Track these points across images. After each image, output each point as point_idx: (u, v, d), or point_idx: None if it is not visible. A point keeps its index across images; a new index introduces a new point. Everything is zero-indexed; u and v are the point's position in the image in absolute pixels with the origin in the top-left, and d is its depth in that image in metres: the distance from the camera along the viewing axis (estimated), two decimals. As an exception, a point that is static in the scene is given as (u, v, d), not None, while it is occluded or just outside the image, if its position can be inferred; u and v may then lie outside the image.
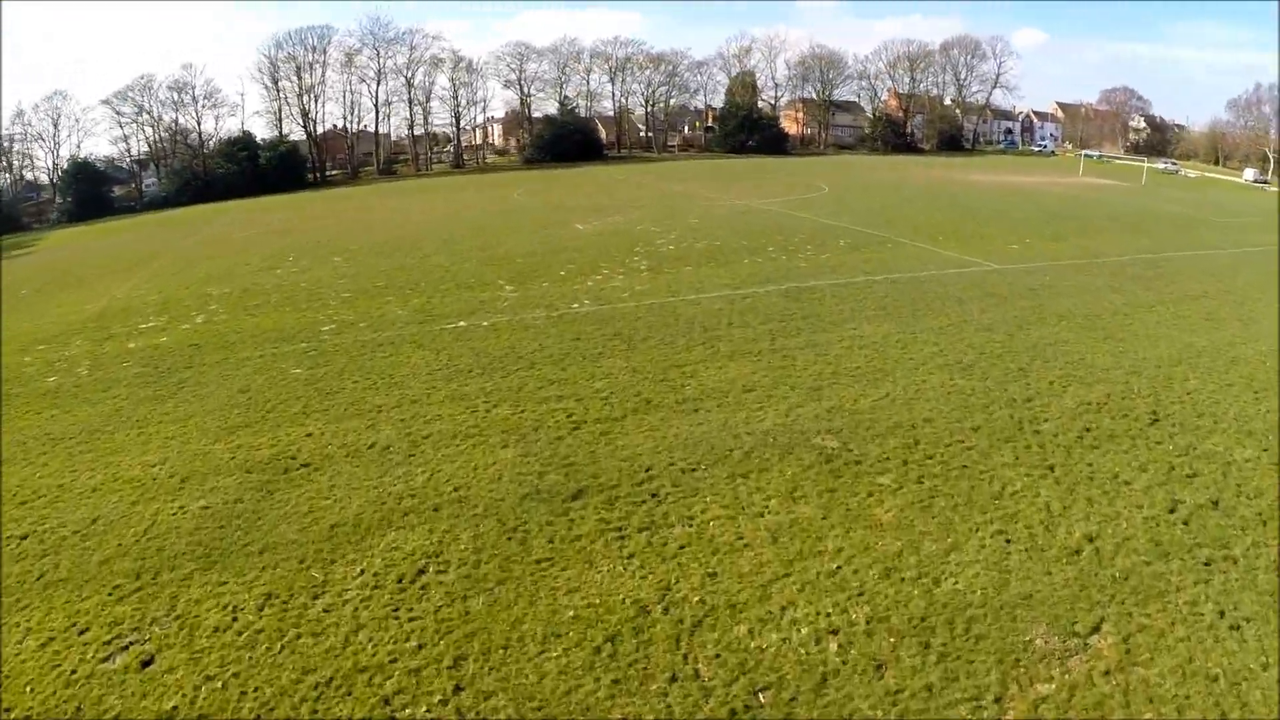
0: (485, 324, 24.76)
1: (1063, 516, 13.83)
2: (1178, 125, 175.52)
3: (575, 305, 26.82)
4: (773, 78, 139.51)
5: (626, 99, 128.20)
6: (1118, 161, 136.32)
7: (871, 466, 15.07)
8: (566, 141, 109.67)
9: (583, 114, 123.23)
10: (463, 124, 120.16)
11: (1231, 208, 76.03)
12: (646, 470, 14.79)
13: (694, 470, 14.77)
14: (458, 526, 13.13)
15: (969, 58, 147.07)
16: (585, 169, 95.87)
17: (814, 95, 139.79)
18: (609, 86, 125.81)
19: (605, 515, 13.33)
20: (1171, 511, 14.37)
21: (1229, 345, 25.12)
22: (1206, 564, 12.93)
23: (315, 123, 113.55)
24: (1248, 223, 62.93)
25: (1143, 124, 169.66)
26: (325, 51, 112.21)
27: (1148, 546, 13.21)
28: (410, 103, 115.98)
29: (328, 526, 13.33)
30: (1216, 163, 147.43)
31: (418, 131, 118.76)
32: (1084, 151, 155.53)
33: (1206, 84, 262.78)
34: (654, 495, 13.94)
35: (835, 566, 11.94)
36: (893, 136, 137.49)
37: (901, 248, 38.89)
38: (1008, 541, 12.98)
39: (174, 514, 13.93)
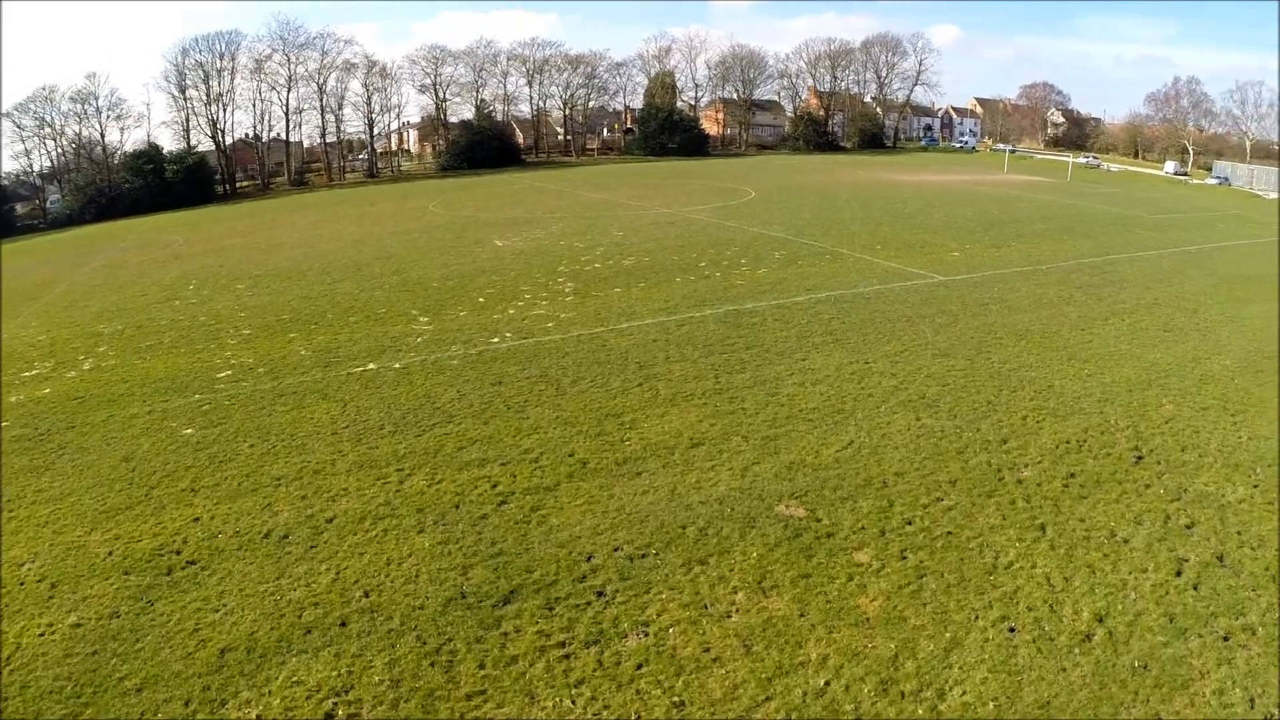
0: (397, 366, 22.54)
1: (1066, 592, 12.60)
2: (1094, 119, 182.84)
3: (496, 340, 24.77)
4: (693, 78, 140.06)
5: (544, 102, 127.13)
6: (1038, 157, 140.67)
7: (846, 539, 13.57)
8: (483, 148, 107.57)
9: (499, 118, 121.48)
10: (377, 131, 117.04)
11: (1163, 204, 78.43)
12: (588, 559, 12.94)
13: (643, 556, 13.00)
14: (369, 649, 11.04)
15: (890, 55, 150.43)
16: (503, 176, 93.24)
17: (735, 95, 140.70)
18: (526, 89, 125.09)
19: (544, 625, 11.42)
20: (1178, 574, 13.39)
21: (1193, 361, 24.96)
22: (1225, 639, 11.89)
23: (224, 133, 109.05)
24: (1181, 220, 64.84)
25: (1060, 118, 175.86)
26: (234, 58, 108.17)
27: (1162, 623, 12.09)
28: (322, 110, 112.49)
29: (217, 651, 11.11)
30: (1136, 155, 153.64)
31: (331, 140, 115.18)
32: (1006, 146, 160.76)
33: (1116, 77, 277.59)
34: (599, 594, 12.11)
35: (823, 683, 10.32)
36: (815, 135, 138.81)
37: (840, 259, 38.03)
38: (1012, 630, 11.63)
39: (41, 635, 11.59)
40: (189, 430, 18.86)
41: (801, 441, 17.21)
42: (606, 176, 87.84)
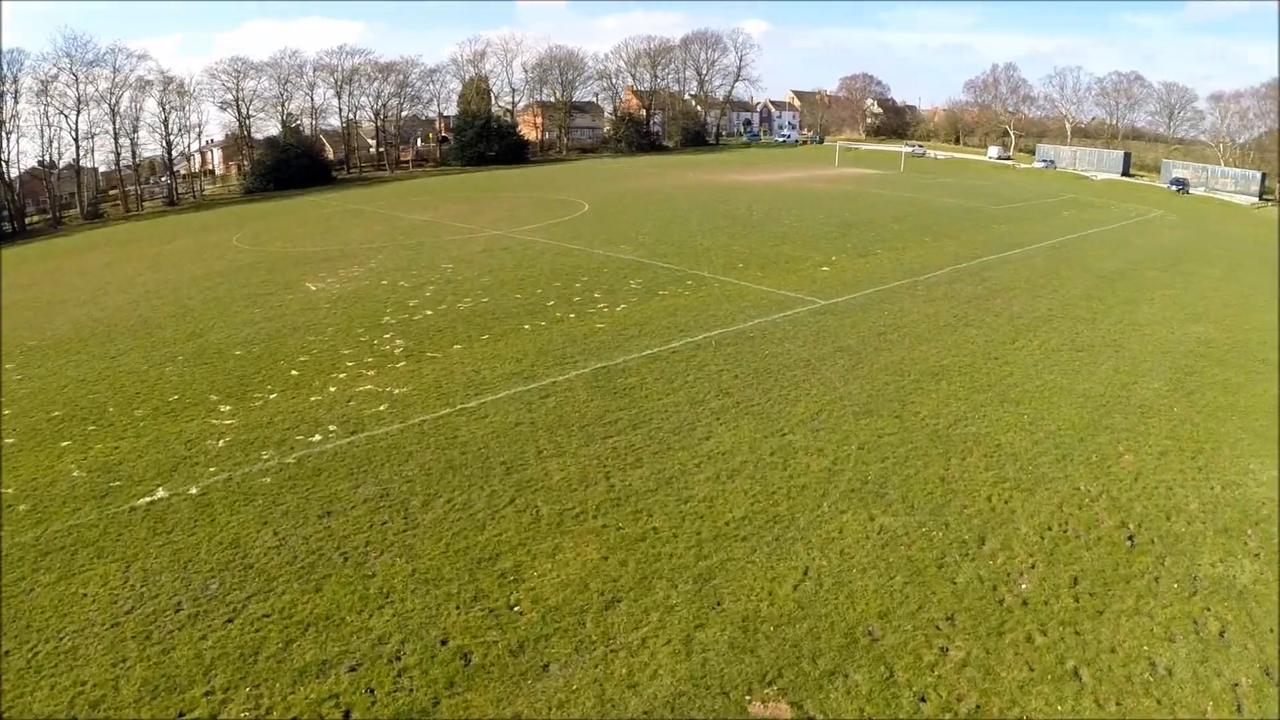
0: (193, 491, 17.38)
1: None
2: (909, 106, 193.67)
3: (317, 438, 19.96)
4: (509, 82, 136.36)
5: (355, 113, 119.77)
6: (863, 148, 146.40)
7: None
8: (291, 166, 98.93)
9: (308, 133, 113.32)
10: (176, 153, 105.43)
11: (1002, 192, 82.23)
12: None
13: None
14: None
15: (710, 52, 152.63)
16: (313, 197, 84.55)
17: (553, 98, 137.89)
18: (335, 101, 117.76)
19: None
20: (1239, 709, 12.00)
21: (1123, 389, 24.52)
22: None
23: (8, 164, 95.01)
24: (1027, 210, 67.56)
25: (878, 108, 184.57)
26: (16, 80, 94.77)
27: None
28: (116, 134, 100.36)
29: None
30: (957, 141, 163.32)
31: (127, 165, 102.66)
32: (811, 136, 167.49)
33: (921, 64, 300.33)
34: None
35: None
36: (637, 136, 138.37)
37: (704, 285, 35.51)
38: None
39: None
40: None
41: (745, 578, 13.95)
42: (425, 193, 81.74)
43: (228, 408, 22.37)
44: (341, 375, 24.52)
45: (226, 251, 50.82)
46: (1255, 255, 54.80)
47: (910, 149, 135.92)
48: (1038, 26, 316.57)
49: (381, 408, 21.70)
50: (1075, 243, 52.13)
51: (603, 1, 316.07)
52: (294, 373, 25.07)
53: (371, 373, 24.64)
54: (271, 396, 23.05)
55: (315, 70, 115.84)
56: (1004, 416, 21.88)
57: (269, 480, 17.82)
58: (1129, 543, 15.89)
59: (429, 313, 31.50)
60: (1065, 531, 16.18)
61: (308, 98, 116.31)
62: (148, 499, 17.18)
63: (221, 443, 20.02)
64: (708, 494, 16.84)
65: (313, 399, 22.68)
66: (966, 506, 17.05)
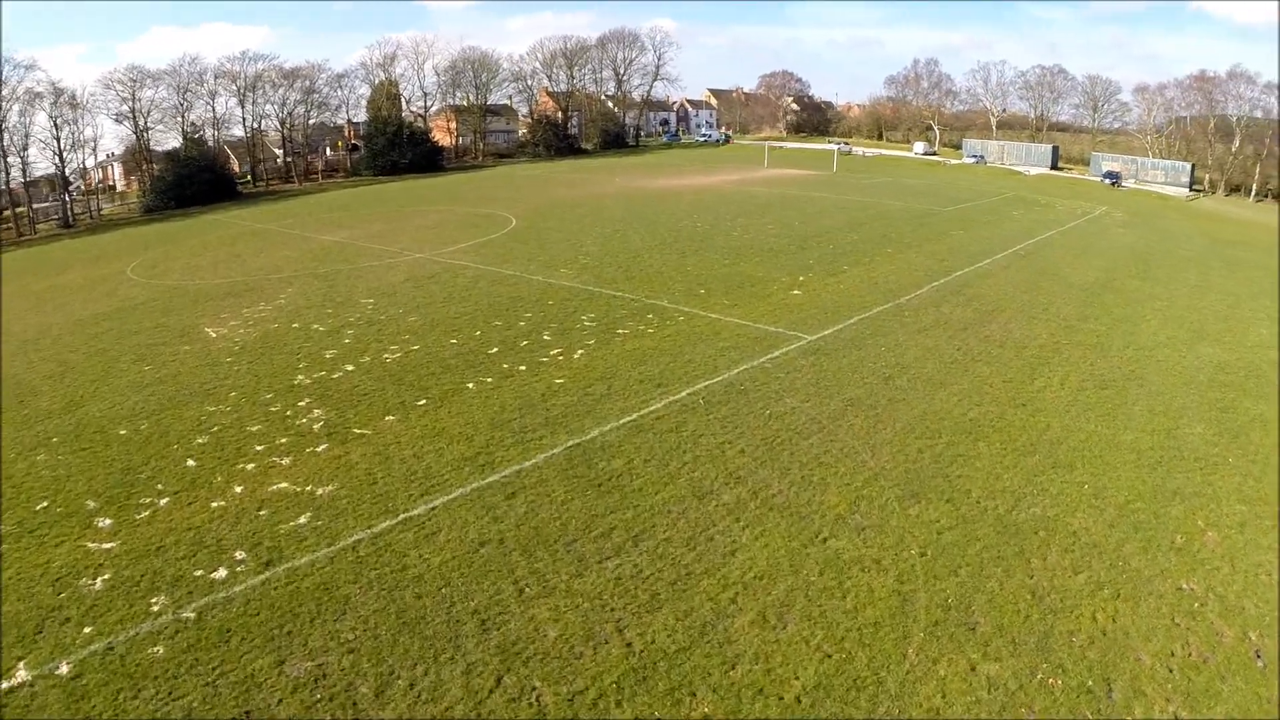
0: (64, 671, 12.71)
1: None
2: (825, 103, 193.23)
3: (221, 573, 15.28)
4: (421, 85, 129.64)
5: (259, 123, 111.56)
6: (789, 146, 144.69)
7: None
8: (194, 182, 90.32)
9: (211, 145, 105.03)
10: (70, 170, 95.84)
11: (943, 191, 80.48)
12: None
13: None
14: None
15: (627, 51, 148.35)
16: (217, 216, 76.43)
17: (466, 101, 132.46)
18: (239, 110, 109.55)
19: None
20: None
21: (1168, 436, 22.17)
22: None
23: None
24: (975, 210, 65.51)
25: (795, 105, 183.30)
26: None
27: None
28: (3, 151, 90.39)
29: None
30: (879, 137, 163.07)
31: (19, 184, 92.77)
32: (720, 135, 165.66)
33: (831, 60, 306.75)
34: None
35: None
36: (555, 139, 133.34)
37: (667, 319, 31.68)
38: None
39: None
40: None
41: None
42: (338, 208, 75.23)
43: (108, 521, 17.57)
44: (249, 466, 19.83)
45: (119, 285, 44.78)
46: (1217, 256, 54.17)
47: (837, 146, 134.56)
48: (946, 21, 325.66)
49: (302, 519, 17.13)
50: (1040, 250, 49.93)
51: (510, 1, 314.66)
52: (190, 462, 20.28)
53: (286, 460, 20.00)
54: (162, 502, 18.28)
55: (216, 78, 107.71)
56: (1065, 490, 18.72)
57: (162, 651, 13.23)
58: (1258, 661, 13.03)
59: (350, 368, 26.88)
60: (1190, 655, 13.39)
61: (209, 107, 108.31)
62: (5, 684, 12.53)
63: (100, 582, 15.29)
64: (759, 649, 12.89)
65: (214, 505, 17.99)
66: (1074, 633, 13.74)
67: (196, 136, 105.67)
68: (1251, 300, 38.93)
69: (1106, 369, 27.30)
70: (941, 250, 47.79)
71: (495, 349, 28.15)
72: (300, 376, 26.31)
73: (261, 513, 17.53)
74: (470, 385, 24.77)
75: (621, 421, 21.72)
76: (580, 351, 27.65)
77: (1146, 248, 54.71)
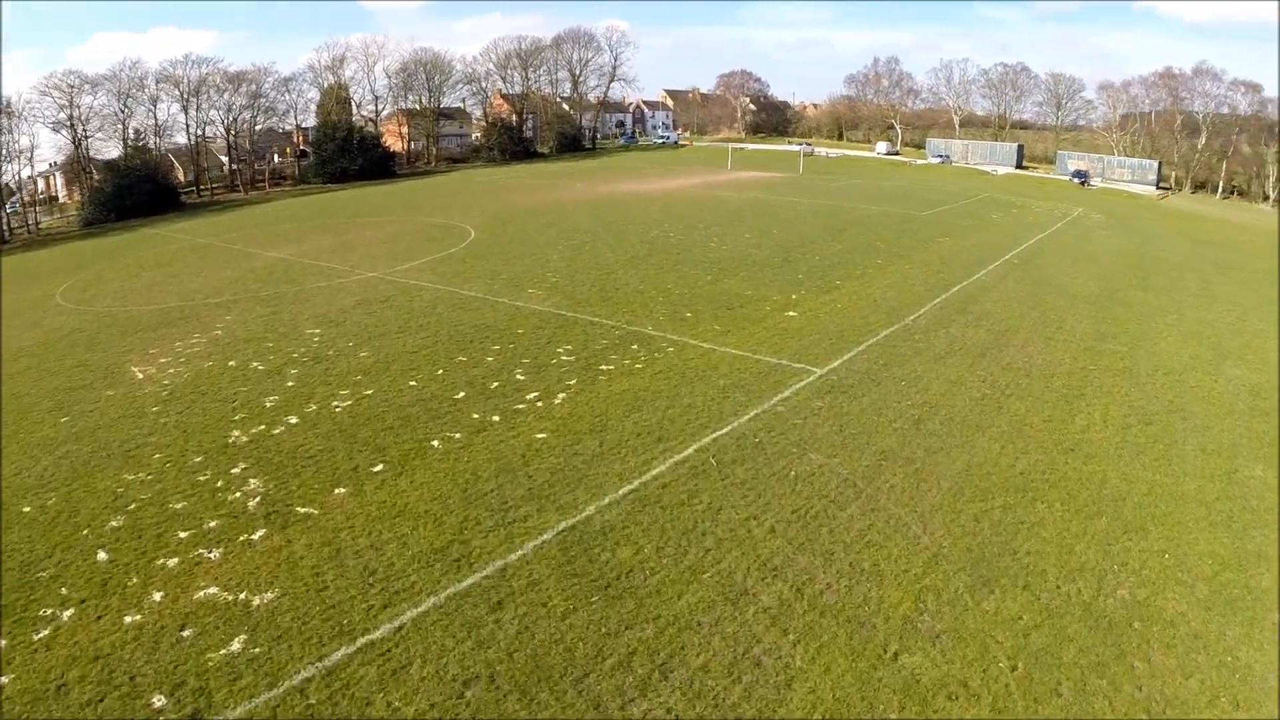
0: None
1: None
2: (783, 102, 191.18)
3: None
4: (371, 89, 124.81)
5: (203, 129, 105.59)
6: (750, 148, 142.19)
7: None
8: (134, 193, 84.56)
9: (155, 151, 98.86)
10: (6, 180, 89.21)
11: (915, 193, 78.29)
12: None
13: None
14: None
15: (583, 51, 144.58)
16: (159, 229, 70.45)
17: (419, 104, 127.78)
18: (183, 116, 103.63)
19: None
20: None
21: (1229, 481, 20.08)
22: None
23: None
24: (953, 213, 63.13)
25: (751, 105, 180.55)
26: None
27: None
28: None
29: None
30: (840, 137, 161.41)
31: None
32: (675, 136, 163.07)
33: (780, 60, 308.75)
34: None
35: None
36: (510, 143, 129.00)
37: (654, 349, 28.52)
38: None
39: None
40: None
41: None
42: (285, 219, 70.57)
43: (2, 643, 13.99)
44: (171, 561, 16.21)
45: (46, 313, 40.40)
46: (1206, 260, 52.96)
47: (800, 147, 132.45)
48: (894, 20, 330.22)
49: (235, 644, 13.57)
50: (1033, 258, 47.71)
51: (459, 3, 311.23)
52: (101, 554, 16.60)
53: (216, 554, 16.40)
54: (66, 615, 14.63)
55: (158, 83, 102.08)
56: (1146, 562, 16.10)
57: None
58: None
59: (294, 420, 23.28)
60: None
61: (151, 114, 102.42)
62: None
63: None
64: None
65: (127, 620, 14.40)
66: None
67: (140, 144, 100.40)
68: (1258, 310, 37.30)
69: (1144, 400, 24.82)
70: (933, 260, 45.23)
71: (462, 393, 24.70)
72: (235, 432, 22.66)
73: (185, 633, 13.96)
74: (435, 443, 21.30)
75: (621, 492, 18.38)
76: (561, 395, 24.29)
77: (1136, 253, 52.98)
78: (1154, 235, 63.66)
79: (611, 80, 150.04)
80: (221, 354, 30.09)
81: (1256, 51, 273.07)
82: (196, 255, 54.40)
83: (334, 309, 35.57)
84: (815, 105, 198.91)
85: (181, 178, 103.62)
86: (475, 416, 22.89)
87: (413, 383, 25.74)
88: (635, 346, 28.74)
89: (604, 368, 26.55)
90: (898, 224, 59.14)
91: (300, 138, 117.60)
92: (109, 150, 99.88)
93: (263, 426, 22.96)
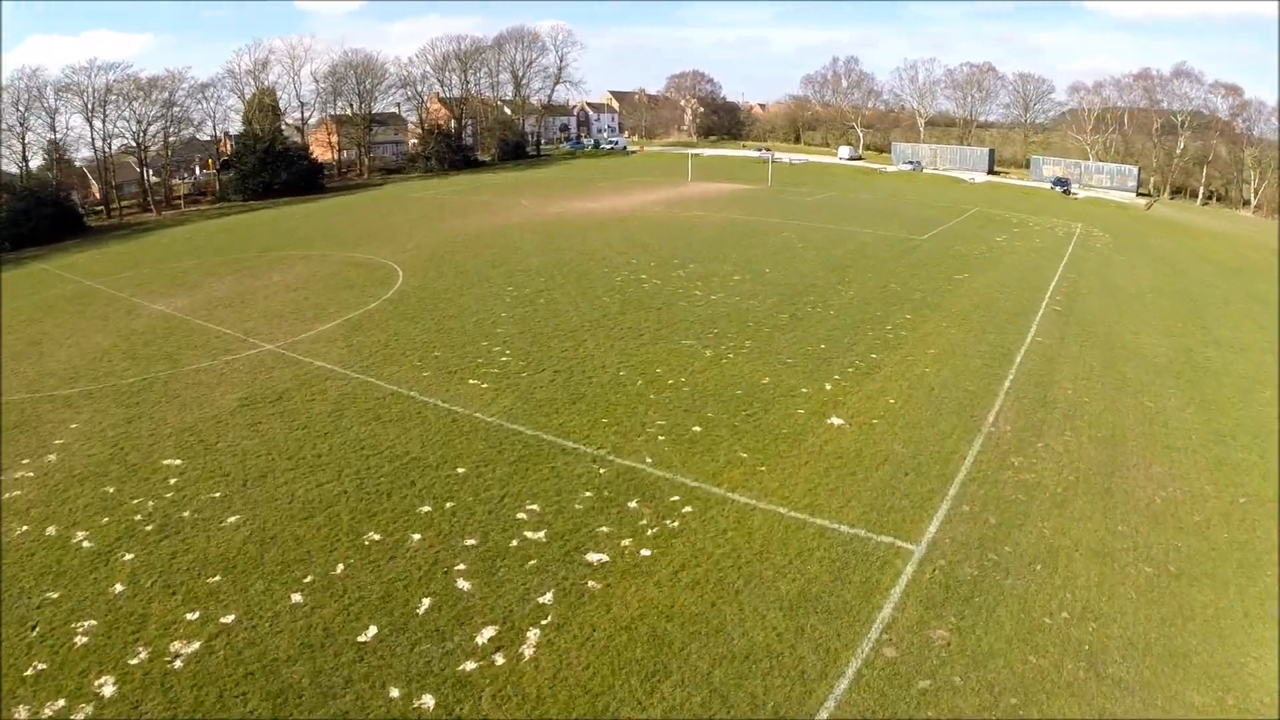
0: None
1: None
2: (730, 103, 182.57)
3: None
4: (297, 94, 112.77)
5: (109, 142, 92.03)
6: (706, 154, 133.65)
7: None
8: (30, 217, 70.96)
9: (55, 172, 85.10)
10: None
11: (900, 209, 69.56)
12: None
13: None
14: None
15: (526, 51, 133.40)
16: (49, 265, 56.42)
17: (349, 111, 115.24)
18: (87, 129, 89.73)
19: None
20: None
21: None
22: None
23: None
24: (951, 235, 54.66)
25: (701, 107, 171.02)
26: None
27: None
28: None
29: None
30: (797, 140, 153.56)
31: None
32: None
33: (720, 59, 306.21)
34: None
35: None
36: (449, 152, 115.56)
37: (664, 510, 19.75)
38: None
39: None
40: None
41: None
42: (189, 251, 58.31)
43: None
44: None
45: None
46: (1244, 293, 46.55)
47: (760, 153, 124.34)
48: (832, 19, 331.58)
49: None
50: (1072, 300, 40.44)
51: (394, 3, 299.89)
52: None
53: None
54: None
55: (58, 92, 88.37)
56: None
57: None
58: None
59: (107, 691, 13.95)
60: None
61: (50, 127, 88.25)
62: None
63: None
64: None
65: None
66: None
67: (61, 156, 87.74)
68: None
69: None
70: (968, 311, 37.11)
71: (372, 629, 15.32)
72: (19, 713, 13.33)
73: None
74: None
75: None
76: (532, 638, 14.97)
77: (1172, 288, 46.10)
78: (1172, 260, 56.56)
79: (557, 82, 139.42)
80: (42, 507, 20.50)
81: (1190, 47, 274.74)
82: (75, 307, 43.58)
83: (208, 416, 25.93)
84: (763, 106, 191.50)
85: (97, 194, 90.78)
86: (393, 696, 13.66)
87: (297, 596, 16.32)
88: (634, 504, 19.65)
89: (593, 561, 17.36)
90: (901, 253, 50.93)
91: (228, 146, 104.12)
92: (9, 167, 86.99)
93: (61, 701, 13.59)
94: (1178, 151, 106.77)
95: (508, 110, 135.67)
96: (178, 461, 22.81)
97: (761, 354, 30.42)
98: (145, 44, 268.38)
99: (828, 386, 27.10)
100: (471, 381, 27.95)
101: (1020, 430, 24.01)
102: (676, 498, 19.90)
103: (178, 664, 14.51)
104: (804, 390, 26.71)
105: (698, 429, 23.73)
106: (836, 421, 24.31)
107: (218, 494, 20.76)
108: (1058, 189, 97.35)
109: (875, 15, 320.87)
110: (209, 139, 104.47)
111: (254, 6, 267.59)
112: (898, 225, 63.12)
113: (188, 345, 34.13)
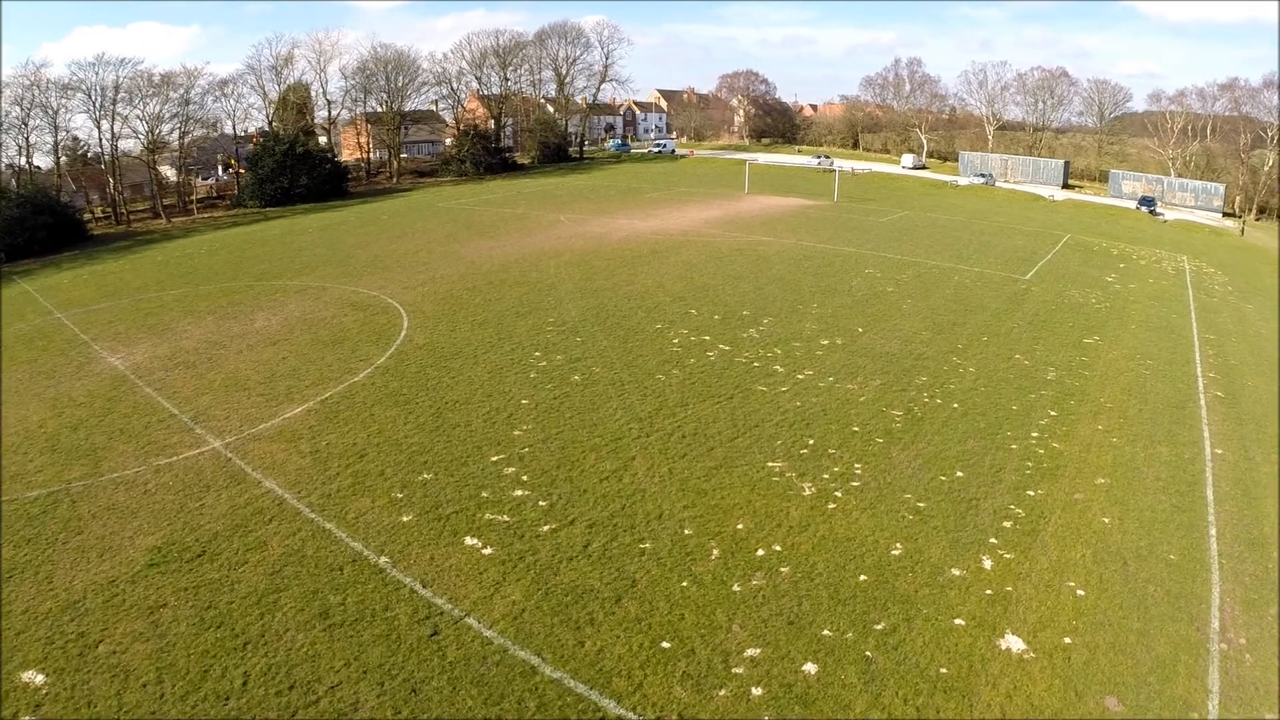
0: None
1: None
2: (784, 104, 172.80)
3: None
4: (324, 92, 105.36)
5: (115, 144, 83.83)
6: (761, 161, 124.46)
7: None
8: (27, 226, 63.48)
9: (59, 176, 77.87)
10: None
11: (994, 244, 59.60)
12: None
13: None
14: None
15: (571, 48, 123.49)
16: (30, 286, 46.48)
17: (380, 109, 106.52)
18: (95, 130, 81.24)
19: None
20: None
21: None
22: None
23: None
24: (1059, 278, 45.14)
25: (752, 108, 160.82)
26: None
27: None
28: None
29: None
30: (856, 146, 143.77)
31: None
32: (660, 144, 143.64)
33: (765, 58, 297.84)
34: None
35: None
36: (485, 154, 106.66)
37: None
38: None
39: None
40: None
41: None
42: (181, 274, 51.82)
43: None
44: None
45: None
46: None
47: (819, 161, 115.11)
48: (877, 19, 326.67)
49: None
50: (1231, 381, 32.62)
51: (439, 1, 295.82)
52: None
53: None
54: None
55: (61, 91, 79.99)
56: None
57: None
58: None
59: None
60: None
61: (50, 127, 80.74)
62: None
63: None
64: None
65: None
66: None
67: (83, 152, 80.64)
68: None
69: None
70: (1121, 402, 28.61)
71: None
72: None
73: None
74: None
75: None
76: None
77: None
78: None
79: (603, 81, 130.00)
80: None
81: (1241, 54, 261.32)
82: (28, 354, 35.26)
83: (103, 582, 17.75)
84: (814, 108, 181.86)
85: (113, 194, 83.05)
86: None
87: None
88: None
89: None
90: (1011, 302, 41.92)
91: (259, 142, 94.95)
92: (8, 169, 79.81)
93: None
94: (1266, 168, 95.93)
95: (550, 109, 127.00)
96: (38, 679, 14.70)
97: (880, 491, 21.68)
98: (193, 37, 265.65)
99: (986, 563, 18.34)
100: (469, 541, 19.37)
101: (1255, 642, 15.26)
102: None
103: None
104: (954, 572, 17.94)
105: (810, 669, 15.04)
106: (1015, 646, 15.58)
107: None
108: (1144, 209, 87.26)
109: (917, 15, 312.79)
110: (240, 135, 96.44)
111: (300, 6, 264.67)
112: (993, 260, 53.83)
113: (122, 433, 26.10)
